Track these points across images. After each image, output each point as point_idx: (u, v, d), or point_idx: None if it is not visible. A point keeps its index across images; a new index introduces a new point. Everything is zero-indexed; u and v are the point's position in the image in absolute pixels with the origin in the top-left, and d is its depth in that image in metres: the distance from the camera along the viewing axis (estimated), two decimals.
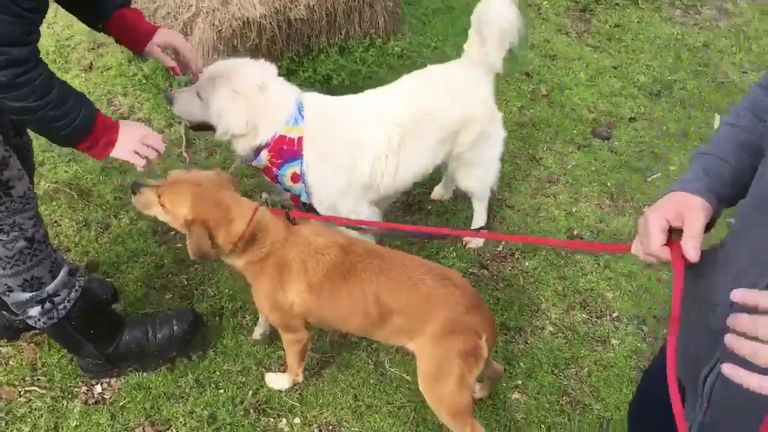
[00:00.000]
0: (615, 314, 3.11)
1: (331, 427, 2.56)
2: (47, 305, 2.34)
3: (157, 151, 2.21)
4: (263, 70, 2.57)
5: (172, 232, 3.33)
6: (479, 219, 3.40)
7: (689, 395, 1.35)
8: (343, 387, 2.68)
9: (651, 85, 4.94)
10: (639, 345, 2.97)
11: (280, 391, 2.64)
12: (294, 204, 2.72)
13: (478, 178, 3.18)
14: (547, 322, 3.04)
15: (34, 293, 2.29)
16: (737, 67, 5.29)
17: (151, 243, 3.25)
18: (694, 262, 1.22)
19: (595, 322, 3.07)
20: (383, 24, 4.82)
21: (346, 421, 2.58)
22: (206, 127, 2.67)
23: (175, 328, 2.67)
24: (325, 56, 4.55)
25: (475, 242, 3.41)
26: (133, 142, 2.14)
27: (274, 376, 2.69)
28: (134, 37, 2.39)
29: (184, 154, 3.69)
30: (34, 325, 2.39)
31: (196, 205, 2.13)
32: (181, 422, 2.52)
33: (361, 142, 2.68)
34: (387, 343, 2.65)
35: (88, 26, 2.39)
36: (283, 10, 4.20)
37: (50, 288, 2.32)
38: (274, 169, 2.62)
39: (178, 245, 3.26)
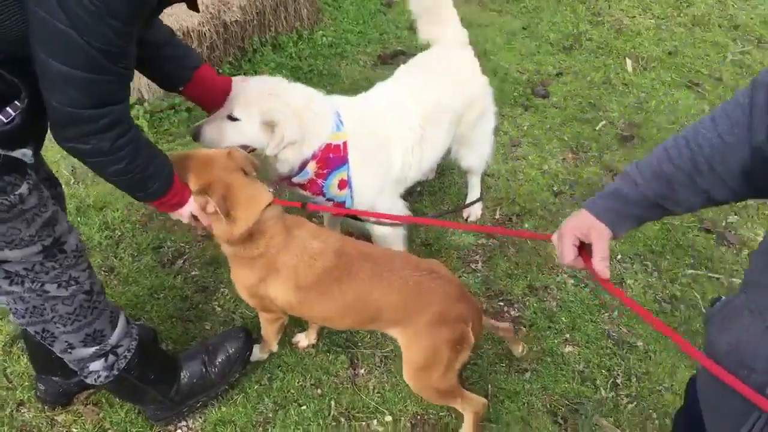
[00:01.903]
0: (618, 257, 3.38)
1: (419, 417, 2.63)
2: (110, 358, 2.22)
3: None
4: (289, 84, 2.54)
5: (180, 261, 3.21)
6: (475, 192, 3.54)
7: None
8: None
9: (562, 41, 5.28)
10: (648, 279, 3.26)
11: (361, 395, 2.67)
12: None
13: (479, 154, 3.31)
14: (566, 276, 3.25)
15: (97, 347, 2.18)
16: (625, 12, 5.76)
17: (164, 276, 3.11)
18: (605, 278, 1.48)
19: None
20: (306, 15, 4.79)
21: (431, 408, 2.65)
22: None
23: (230, 350, 2.60)
24: (260, 56, 4.46)
25: (474, 214, 3.56)
26: (194, 212, 2.14)
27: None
28: (213, 96, 2.36)
29: None
30: (93, 382, 2.25)
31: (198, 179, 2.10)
32: None
33: (393, 139, 2.72)
34: (368, 330, 2.82)
35: (167, 89, 2.28)
36: (218, 15, 4.07)
37: (112, 339, 2.21)
38: (320, 181, 2.59)
39: (194, 273, 3.14)
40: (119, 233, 3.32)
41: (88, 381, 2.25)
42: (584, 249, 1.53)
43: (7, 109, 1.62)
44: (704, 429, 1.46)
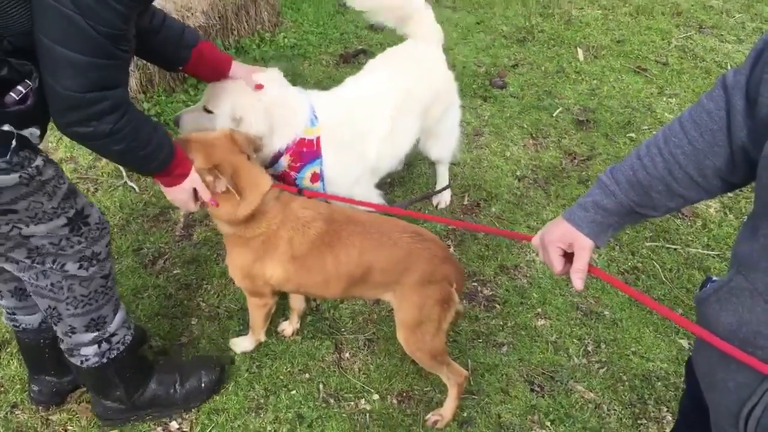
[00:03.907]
0: None
1: (405, 394, 2.75)
2: (104, 345, 2.28)
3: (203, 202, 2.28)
4: (272, 77, 2.63)
5: (161, 261, 3.27)
6: (443, 180, 3.69)
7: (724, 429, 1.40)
8: (399, 356, 2.86)
9: (515, 34, 5.46)
10: (612, 253, 3.44)
11: (347, 377, 2.78)
12: None
13: (446, 146, 3.46)
14: (534, 254, 3.41)
15: (98, 333, 2.24)
16: (573, 4, 5.98)
17: (147, 276, 3.18)
18: (578, 290, 1.53)
19: None
20: (267, 18, 4.88)
21: (416, 384, 2.78)
22: None
23: (204, 379, 2.61)
24: None
25: (444, 201, 3.70)
26: (195, 185, 2.19)
27: (238, 340, 2.85)
28: (214, 73, 2.46)
29: (129, 183, 3.63)
30: (78, 364, 2.30)
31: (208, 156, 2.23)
32: (272, 430, 2.58)
33: (367, 131, 2.85)
34: (361, 298, 2.95)
35: (168, 70, 2.34)
36: (182, 20, 4.12)
37: (112, 327, 2.28)
38: (293, 173, 2.71)
39: (175, 271, 3.22)
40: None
41: (73, 361, 2.29)
42: (569, 256, 1.57)
43: (18, 87, 1.68)
44: (707, 409, 1.51)
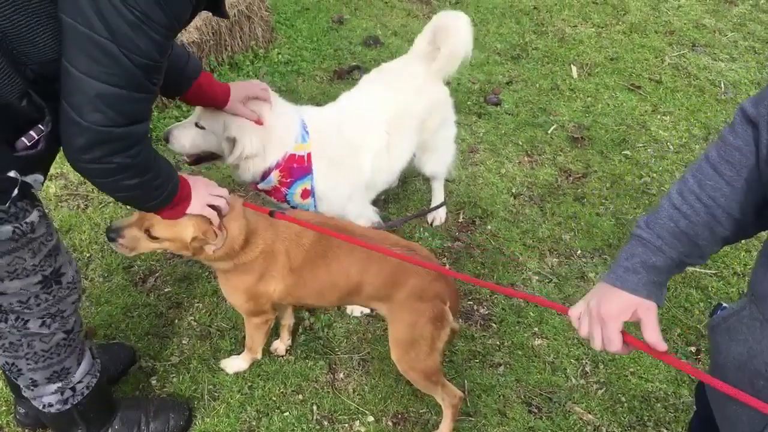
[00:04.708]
0: (578, 252, 3.53)
1: (400, 415, 2.70)
2: (67, 392, 2.20)
3: (224, 198, 2.13)
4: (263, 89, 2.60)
5: (151, 279, 3.22)
6: (438, 197, 3.65)
7: None
8: (394, 377, 2.81)
9: (510, 51, 5.46)
10: None
11: (341, 398, 2.73)
12: None
13: (441, 161, 3.44)
14: (531, 273, 3.38)
15: (61, 383, 2.16)
16: (567, 22, 5.99)
17: (137, 294, 3.12)
18: (663, 349, 1.35)
19: (567, 262, 3.46)
20: (261, 35, 4.85)
21: (411, 406, 2.73)
22: (205, 159, 2.68)
23: (171, 421, 2.52)
24: (218, 75, 4.50)
25: (439, 219, 3.66)
26: (204, 195, 2.07)
27: (229, 361, 2.79)
28: (212, 102, 2.41)
29: None
30: (41, 409, 2.21)
31: (198, 222, 2.09)
32: None
33: (361, 146, 2.82)
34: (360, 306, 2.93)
35: (165, 96, 2.29)
36: (177, 37, 4.10)
37: (76, 377, 2.20)
38: (284, 189, 2.67)
39: (166, 289, 3.16)
40: (88, 255, 3.31)
41: (35, 404, 2.22)
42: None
43: (31, 132, 1.59)
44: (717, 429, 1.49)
